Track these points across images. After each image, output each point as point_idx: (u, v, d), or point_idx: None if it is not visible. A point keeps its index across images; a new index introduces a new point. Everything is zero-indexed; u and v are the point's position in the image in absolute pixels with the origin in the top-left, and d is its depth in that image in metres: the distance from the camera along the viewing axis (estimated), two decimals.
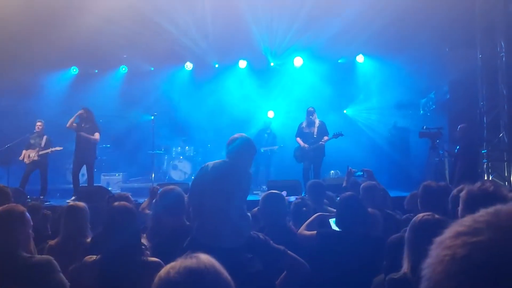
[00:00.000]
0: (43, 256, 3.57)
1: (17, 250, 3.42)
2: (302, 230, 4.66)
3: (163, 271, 1.58)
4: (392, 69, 14.03)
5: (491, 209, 0.95)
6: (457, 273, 0.88)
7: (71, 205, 4.78)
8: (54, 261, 3.45)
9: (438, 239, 0.96)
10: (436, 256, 0.93)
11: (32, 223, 3.65)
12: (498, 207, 0.95)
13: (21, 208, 3.59)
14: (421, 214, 3.15)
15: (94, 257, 3.49)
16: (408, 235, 3.07)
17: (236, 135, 4.77)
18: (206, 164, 4.67)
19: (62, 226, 4.57)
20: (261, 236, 4.31)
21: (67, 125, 11.18)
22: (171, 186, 5.05)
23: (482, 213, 0.94)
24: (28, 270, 3.33)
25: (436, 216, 3.05)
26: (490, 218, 0.92)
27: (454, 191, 3.71)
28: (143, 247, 3.59)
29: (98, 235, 4.19)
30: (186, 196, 4.76)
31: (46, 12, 12.50)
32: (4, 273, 3.29)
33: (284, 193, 5.45)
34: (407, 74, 13.39)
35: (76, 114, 11.26)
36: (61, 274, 3.44)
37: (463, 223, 0.94)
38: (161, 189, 4.94)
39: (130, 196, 5.85)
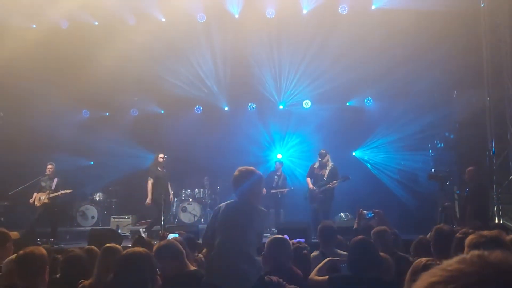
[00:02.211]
0: None
1: None
2: (313, 276, 4.64)
3: None
4: (400, 111, 14.09)
5: (461, 257, 0.97)
6: None
7: (109, 246, 4.78)
8: None
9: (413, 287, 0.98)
10: None
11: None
12: (470, 254, 0.97)
13: (41, 250, 3.65)
14: (424, 259, 3.14)
15: None
16: (409, 278, 3.05)
17: (242, 169, 4.72)
18: (220, 205, 4.70)
19: (98, 266, 4.55)
20: (274, 280, 4.29)
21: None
22: (163, 242, 5.02)
23: (451, 262, 0.96)
24: None
25: (438, 262, 3.02)
26: (459, 266, 0.94)
27: (458, 234, 3.71)
28: None
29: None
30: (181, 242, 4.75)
31: (60, 60, 12.81)
32: None
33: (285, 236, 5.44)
34: (415, 114, 13.40)
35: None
36: None
37: (436, 272, 0.95)
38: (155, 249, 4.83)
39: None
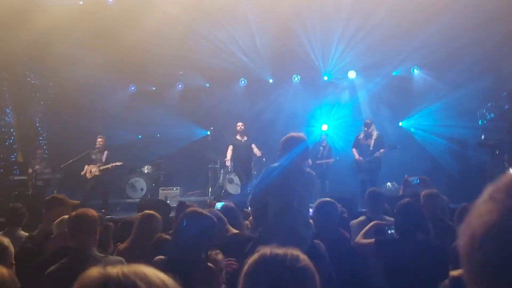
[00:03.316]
0: (116, 257, 3.74)
1: (92, 248, 3.62)
2: (360, 239, 4.64)
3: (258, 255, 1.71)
4: (448, 81, 13.80)
5: None
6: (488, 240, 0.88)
7: (149, 213, 4.93)
8: (125, 263, 3.59)
9: (475, 204, 0.98)
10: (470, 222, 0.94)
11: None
12: None
13: (93, 212, 3.79)
14: None
15: (162, 257, 3.62)
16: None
17: (292, 135, 4.79)
18: (271, 167, 4.68)
19: (135, 230, 4.72)
20: (322, 248, 4.30)
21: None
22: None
23: None
24: None
25: None
26: None
27: None
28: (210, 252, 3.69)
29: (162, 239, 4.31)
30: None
31: (106, 36, 12.99)
32: (79, 270, 3.45)
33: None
34: (464, 84, 13.08)
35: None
36: None
37: (498, 185, 0.94)
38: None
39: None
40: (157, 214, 4.97)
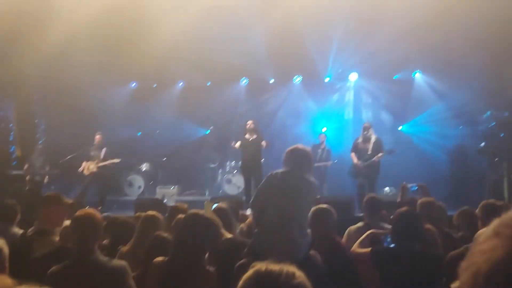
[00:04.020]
0: (119, 261, 3.71)
1: (95, 253, 3.59)
2: (355, 248, 4.62)
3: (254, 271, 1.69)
4: (449, 86, 13.77)
5: None
6: (492, 277, 0.86)
7: (151, 214, 4.91)
8: (128, 267, 3.61)
9: (479, 233, 0.95)
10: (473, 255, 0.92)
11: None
12: None
13: (97, 214, 3.77)
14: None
15: (162, 258, 3.62)
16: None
17: (294, 147, 4.83)
18: (274, 172, 4.68)
19: (138, 232, 4.69)
20: (318, 259, 4.27)
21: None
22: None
23: None
24: (105, 273, 3.49)
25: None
26: None
27: None
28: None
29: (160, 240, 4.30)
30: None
31: (109, 32, 12.95)
32: (83, 274, 3.45)
33: None
34: (465, 90, 13.05)
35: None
36: (132, 280, 3.58)
37: (503, 220, 0.92)
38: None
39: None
40: (158, 215, 4.95)
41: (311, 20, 13.06)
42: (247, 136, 11.68)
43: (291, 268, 1.69)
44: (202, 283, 3.47)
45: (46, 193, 5.69)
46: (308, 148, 4.94)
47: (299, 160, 4.69)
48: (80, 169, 12.01)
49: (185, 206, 6.25)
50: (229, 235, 4.80)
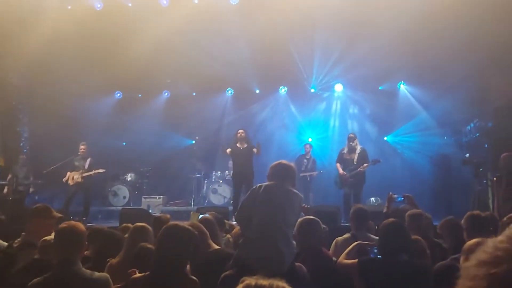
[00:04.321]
0: (101, 273, 3.68)
1: (78, 264, 3.57)
2: (342, 259, 4.61)
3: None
4: (433, 96, 13.87)
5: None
6: None
7: (141, 226, 4.87)
8: (110, 280, 3.62)
9: (464, 266, 0.94)
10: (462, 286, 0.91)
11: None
12: None
13: (81, 226, 3.74)
14: (474, 240, 3.12)
15: (140, 274, 3.60)
16: (463, 258, 3.04)
17: (278, 162, 4.91)
18: (259, 185, 4.70)
19: (127, 244, 4.65)
20: (304, 271, 4.26)
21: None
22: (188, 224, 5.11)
23: (503, 239, 0.91)
24: (86, 285, 3.48)
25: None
26: (509, 245, 0.89)
27: (505, 219, 3.66)
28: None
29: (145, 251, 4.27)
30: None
31: (94, 42, 12.92)
32: (64, 285, 3.43)
33: None
34: (450, 101, 13.15)
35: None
36: None
37: (486, 249, 0.91)
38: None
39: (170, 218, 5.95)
40: (148, 226, 4.91)
41: (296, 31, 13.15)
42: (238, 145, 11.48)
43: (280, 284, 1.68)
44: None
45: (35, 205, 5.61)
46: (292, 163, 4.96)
47: (283, 174, 4.75)
48: (64, 179, 11.91)
49: (168, 216, 6.23)
50: (216, 246, 4.77)
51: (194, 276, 3.64)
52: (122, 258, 4.53)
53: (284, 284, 1.70)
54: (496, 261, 0.87)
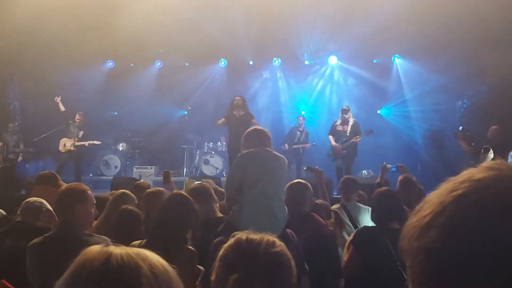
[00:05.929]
0: (101, 236, 3.64)
1: (77, 228, 3.52)
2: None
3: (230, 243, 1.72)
4: (428, 70, 13.83)
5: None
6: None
7: (122, 192, 4.89)
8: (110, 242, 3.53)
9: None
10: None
11: (95, 202, 3.76)
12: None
13: (84, 186, 3.68)
14: None
15: (139, 242, 3.57)
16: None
17: (253, 128, 5.07)
18: (245, 152, 4.60)
19: (108, 209, 4.67)
20: (294, 237, 4.23)
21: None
22: (197, 185, 5.10)
23: (478, 169, 0.85)
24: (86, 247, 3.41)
25: None
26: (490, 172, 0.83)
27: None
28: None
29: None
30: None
31: (85, 10, 12.72)
32: (65, 250, 3.38)
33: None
34: (445, 75, 13.12)
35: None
36: None
37: (457, 184, 0.83)
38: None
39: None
40: (130, 193, 4.90)
41: (291, 1, 12.99)
42: (234, 112, 10.86)
43: (271, 237, 1.69)
44: (184, 262, 3.42)
45: (41, 172, 5.56)
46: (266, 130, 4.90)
47: (263, 139, 4.68)
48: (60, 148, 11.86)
49: (148, 183, 6.29)
50: (220, 214, 4.77)
51: (203, 243, 3.68)
52: (101, 220, 4.56)
53: (275, 238, 1.70)
54: (477, 190, 0.80)
